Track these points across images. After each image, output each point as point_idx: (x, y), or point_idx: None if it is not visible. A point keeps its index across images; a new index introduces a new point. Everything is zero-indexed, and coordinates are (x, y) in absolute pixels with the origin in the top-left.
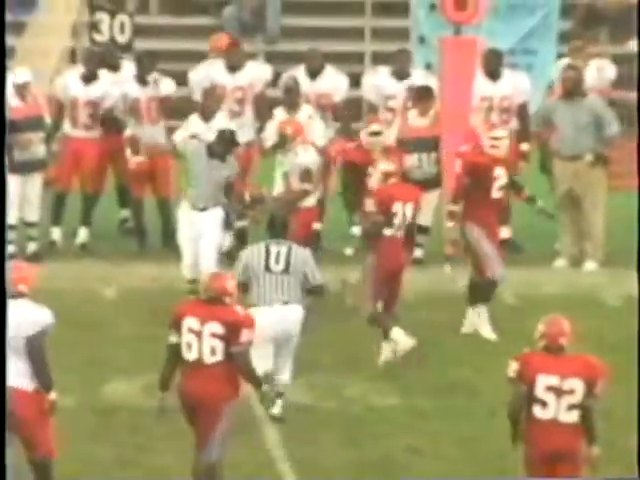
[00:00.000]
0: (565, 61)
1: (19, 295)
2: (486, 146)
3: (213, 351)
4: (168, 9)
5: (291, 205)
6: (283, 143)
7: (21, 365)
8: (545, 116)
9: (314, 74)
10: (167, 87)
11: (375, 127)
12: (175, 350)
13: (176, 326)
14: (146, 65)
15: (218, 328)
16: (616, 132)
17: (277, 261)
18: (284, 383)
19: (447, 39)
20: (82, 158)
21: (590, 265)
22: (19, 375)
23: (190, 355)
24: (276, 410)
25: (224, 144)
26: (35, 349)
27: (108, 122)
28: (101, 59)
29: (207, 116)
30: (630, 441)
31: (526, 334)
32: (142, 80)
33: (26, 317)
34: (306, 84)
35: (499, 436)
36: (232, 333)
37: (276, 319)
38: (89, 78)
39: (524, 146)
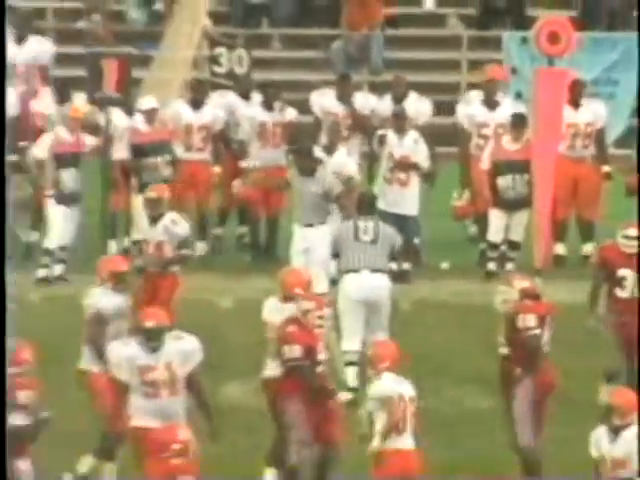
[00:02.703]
0: None
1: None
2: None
3: None
4: (287, 44)
5: None
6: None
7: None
8: None
9: (399, 100)
10: (291, 114)
11: (632, 231)
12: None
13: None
14: (272, 93)
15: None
16: None
17: (366, 232)
18: None
19: (542, 70)
20: (197, 179)
21: None
22: None
23: None
24: (352, 382)
25: (309, 160)
26: (197, 384)
27: (224, 145)
28: (208, 87)
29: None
30: None
31: None
32: (268, 106)
33: (183, 349)
34: (390, 109)
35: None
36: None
37: (362, 284)
38: (197, 104)
39: (606, 168)
